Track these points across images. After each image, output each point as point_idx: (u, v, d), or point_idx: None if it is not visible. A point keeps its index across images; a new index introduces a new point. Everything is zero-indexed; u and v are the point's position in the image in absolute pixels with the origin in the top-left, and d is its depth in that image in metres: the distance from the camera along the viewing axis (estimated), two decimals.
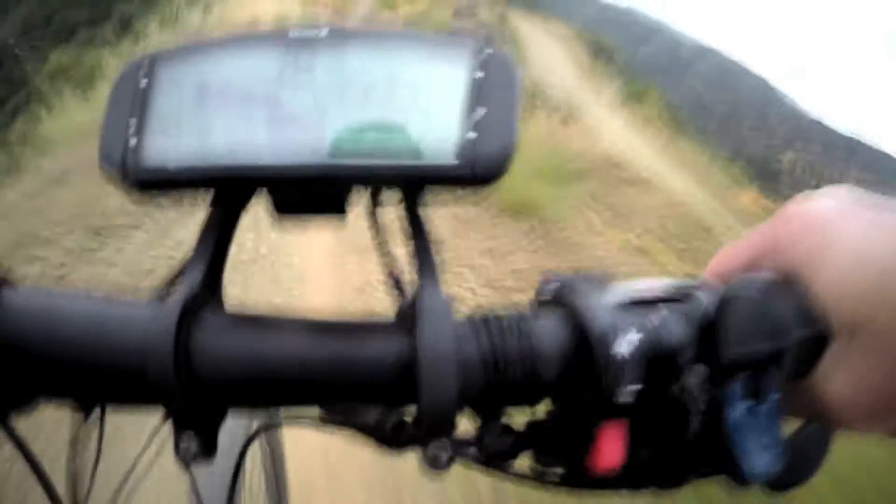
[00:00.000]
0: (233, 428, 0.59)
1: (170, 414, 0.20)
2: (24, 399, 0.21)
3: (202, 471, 0.55)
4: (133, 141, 0.21)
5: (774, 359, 0.20)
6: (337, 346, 0.20)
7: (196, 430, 0.20)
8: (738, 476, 0.19)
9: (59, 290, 0.22)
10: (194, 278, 0.22)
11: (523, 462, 0.25)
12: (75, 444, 0.24)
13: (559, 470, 0.24)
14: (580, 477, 0.23)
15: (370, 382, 0.20)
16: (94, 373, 0.20)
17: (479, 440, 0.24)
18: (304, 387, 0.20)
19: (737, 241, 0.25)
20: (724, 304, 0.20)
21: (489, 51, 0.21)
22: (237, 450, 0.41)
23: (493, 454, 0.23)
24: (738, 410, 0.20)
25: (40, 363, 0.20)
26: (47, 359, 0.20)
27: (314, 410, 0.30)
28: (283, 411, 0.22)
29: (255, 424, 0.58)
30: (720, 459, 0.20)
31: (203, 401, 0.20)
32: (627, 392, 0.19)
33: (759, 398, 0.20)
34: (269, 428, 0.38)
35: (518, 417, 0.24)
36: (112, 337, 0.20)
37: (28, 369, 0.20)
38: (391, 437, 0.25)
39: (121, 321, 0.20)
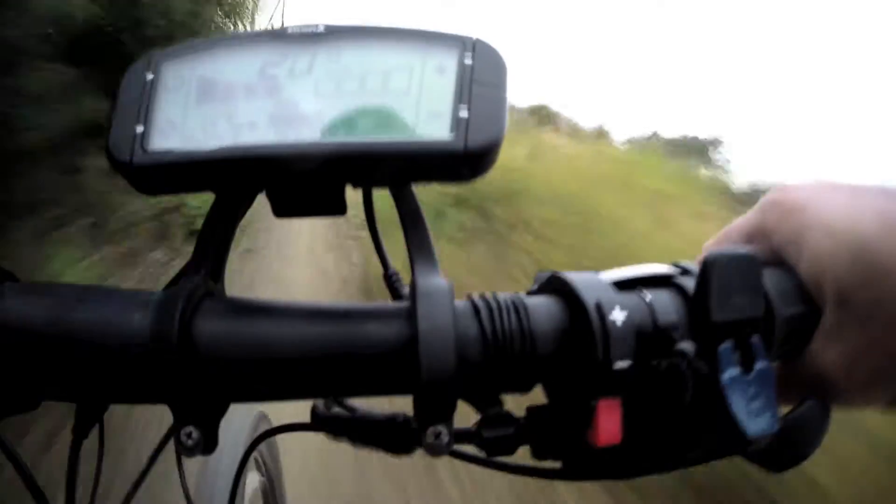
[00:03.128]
0: (234, 435, 0.59)
1: (172, 408, 0.20)
2: (26, 396, 0.21)
3: (204, 479, 0.55)
4: (140, 130, 0.22)
5: (761, 322, 0.21)
6: (338, 328, 0.21)
7: (197, 424, 0.20)
8: (735, 440, 0.19)
9: (62, 285, 0.22)
10: (197, 270, 0.22)
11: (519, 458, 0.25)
12: (77, 442, 0.24)
13: (558, 463, 0.24)
14: (580, 467, 0.23)
15: (372, 364, 0.20)
16: (97, 364, 0.20)
17: (478, 431, 0.24)
18: (305, 370, 0.20)
19: (723, 232, 0.27)
20: (706, 270, 0.21)
21: (477, 40, 0.22)
22: (238, 457, 0.41)
23: (493, 444, 0.23)
24: (729, 373, 0.20)
25: (43, 355, 0.20)
26: (50, 351, 0.20)
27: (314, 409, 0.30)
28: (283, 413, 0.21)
29: (257, 431, 0.58)
30: (716, 426, 0.20)
31: (206, 389, 0.20)
32: (622, 361, 0.20)
33: (750, 364, 0.20)
34: (272, 434, 0.37)
35: (518, 410, 0.24)
36: (115, 327, 0.20)
37: (30, 363, 0.20)
38: (393, 439, 0.25)
39: (124, 312, 0.21)
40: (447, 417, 0.20)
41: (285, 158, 0.21)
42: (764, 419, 0.20)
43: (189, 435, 0.20)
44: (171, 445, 0.38)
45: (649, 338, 0.21)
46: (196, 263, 0.22)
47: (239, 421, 0.63)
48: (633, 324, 0.20)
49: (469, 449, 0.26)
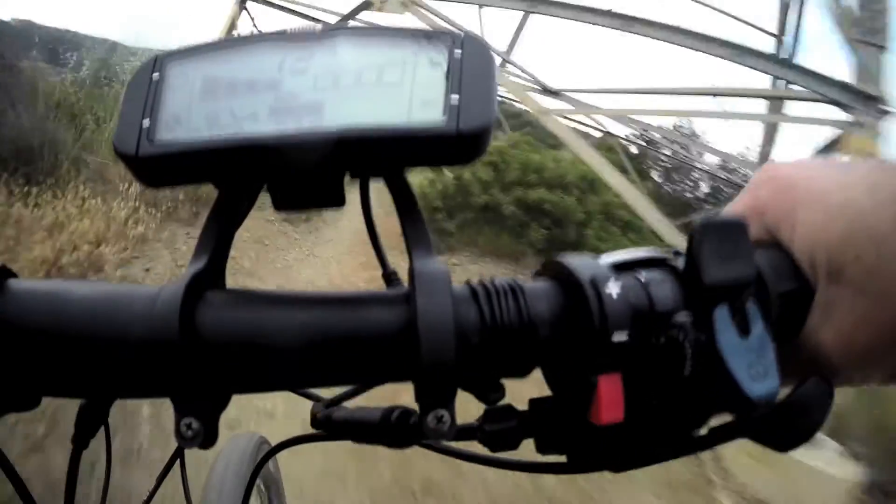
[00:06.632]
0: (240, 451, 0.58)
1: (174, 400, 0.20)
2: (27, 393, 0.21)
3: (212, 494, 0.54)
4: (146, 124, 0.23)
5: (754, 288, 0.21)
6: (338, 315, 0.21)
7: (198, 416, 0.20)
8: (739, 405, 0.19)
9: (63, 280, 0.22)
10: (199, 262, 0.22)
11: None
12: (80, 443, 0.24)
13: (562, 457, 0.24)
14: (586, 458, 0.23)
15: (373, 349, 0.20)
16: (99, 358, 0.20)
17: (480, 426, 0.24)
18: (306, 359, 0.20)
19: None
20: (695, 237, 0.21)
21: (465, 35, 0.24)
22: (247, 473, 0.40)
23: (496, 439, 0.23)
24: (726, 337, 0.20)
25: (44, 351, 0.20)
26: (51, 347, 0.20)
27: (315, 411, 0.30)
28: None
29: (258, 455, 0.57)
30: (719, 395, 0.20)
31: (208, 380, 0.20)
32: (619, 333, 0.20)
33: (747, 329, 0.20)
34: (280, 450, 0.37)
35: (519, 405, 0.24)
36: (116, 320, 0.20)
37: (31, 359, 0.20)
38: (396, 433, 0.25)
39: (125, 305, 0.21)
40: (448, 402, 0.20)
41: (285, 145, 0.22)
42: (766, 382, 0.19)
43: (189, 426, 0.20)
44: (176, 470, 0.38)
45: (646, 315, 0.21)
46: (198, 254, 0.23)
47: (240, 449, 0.62)
48: (628, 299, 0.20)
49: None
